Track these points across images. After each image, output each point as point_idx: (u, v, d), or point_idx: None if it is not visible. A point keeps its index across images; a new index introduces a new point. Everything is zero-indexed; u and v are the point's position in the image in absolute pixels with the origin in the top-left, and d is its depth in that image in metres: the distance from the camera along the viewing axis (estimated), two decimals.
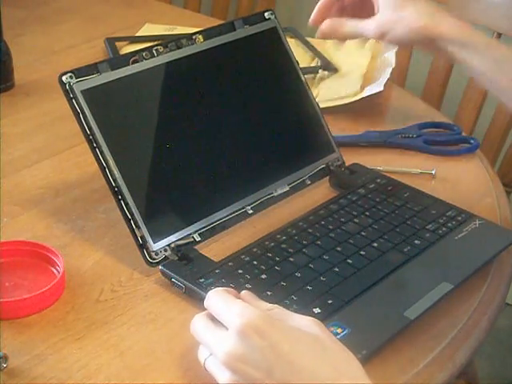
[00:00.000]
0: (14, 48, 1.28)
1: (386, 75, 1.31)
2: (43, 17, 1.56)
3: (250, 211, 0.98)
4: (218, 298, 0.74)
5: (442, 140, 1.20)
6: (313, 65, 1.37)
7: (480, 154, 1.18)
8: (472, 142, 1.19)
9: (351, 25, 1.08)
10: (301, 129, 1.07)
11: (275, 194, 1.01)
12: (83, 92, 0.88)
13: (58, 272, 0.87)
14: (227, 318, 0.71)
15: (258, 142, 1.02)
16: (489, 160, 1.20)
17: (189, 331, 0.76)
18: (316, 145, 1.08)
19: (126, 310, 0.85)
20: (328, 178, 1.07)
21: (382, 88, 1.28)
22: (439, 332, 0.85)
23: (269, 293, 0.85)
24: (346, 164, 1.09)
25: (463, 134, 1.23)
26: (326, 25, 1.09)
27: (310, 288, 0.86)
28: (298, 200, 1.02)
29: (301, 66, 1.09)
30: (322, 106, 1.12)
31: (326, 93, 1.29)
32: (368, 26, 1.07)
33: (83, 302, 0.85)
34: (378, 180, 1.06)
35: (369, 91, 1.27)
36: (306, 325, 0.71)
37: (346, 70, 1.35)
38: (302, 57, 1.38)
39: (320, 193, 1.05)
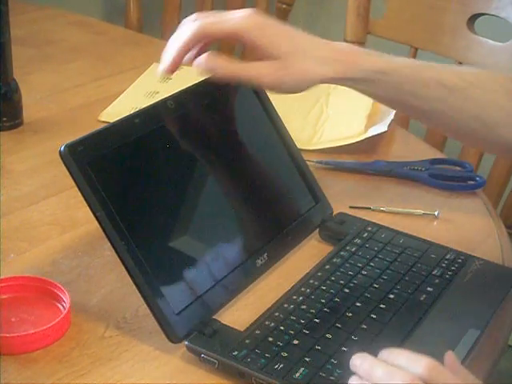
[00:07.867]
0: (22, 86, 1.29)
1: (390, 116, 1.32)
2: (51, 55, 1.58)
3: None
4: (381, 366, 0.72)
5: (448, 175, 1.20)
6: (316, 108, 1.38)
7: (483, 196, 1.19)
8: (478, 179, 1.20)
9: (242, 67, 0.95)
10: (287, 184, 1.04)
11: None
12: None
13: (64, 308, 0.88)
14: (407, 364, 0.71)
15: (245, 200, 0.99)
16: (491, 202, 1.20)
17: (192, 369, 0.76)
18: (304, 198, 1.05)
19: (131, 346, 0.85)
20: (317, 230, 1.05)
21: (386, 129, 1.28)
22: None
23: (307, 359, 0.81)
24: (354, 192, 1.09)
25: None
26: (206, 59, 0.93)
27: (345, 349, 0.83)
28: (292, 255, 1.00)
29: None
30: (325, 146, 1.13)
31: (329, 133, 1.30)
32: (261, 72, 0.94)
33: (88, 338, 0.85)
34: (369, 228, 1.04)
35: (373, 132, 1.28)
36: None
37: (349, 110, 1.36)
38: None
39: (311, 246, 1.03)
